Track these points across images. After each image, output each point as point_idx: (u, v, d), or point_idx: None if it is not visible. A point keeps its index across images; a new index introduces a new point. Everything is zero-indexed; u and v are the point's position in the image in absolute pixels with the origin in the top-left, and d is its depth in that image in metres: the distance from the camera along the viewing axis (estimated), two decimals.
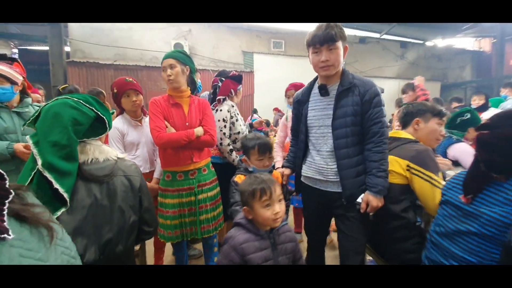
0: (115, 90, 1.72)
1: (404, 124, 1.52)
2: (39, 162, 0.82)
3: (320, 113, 1.37)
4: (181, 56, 1.58)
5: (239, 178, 1.56)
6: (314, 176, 1.41)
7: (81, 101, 0.93)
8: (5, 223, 0.44)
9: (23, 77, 1.68)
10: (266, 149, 1.54)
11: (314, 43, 1.27)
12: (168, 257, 2.24)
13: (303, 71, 7.66)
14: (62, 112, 0.88)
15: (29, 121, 0.90)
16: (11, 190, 0.48)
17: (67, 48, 6.35)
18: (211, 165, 1.76)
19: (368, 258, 1.98)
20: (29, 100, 1.70)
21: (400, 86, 9.52)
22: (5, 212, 0.45)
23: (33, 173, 0.84)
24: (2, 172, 0.48)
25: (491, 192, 0.93)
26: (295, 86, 2.31)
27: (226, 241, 1.12)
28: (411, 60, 10.09)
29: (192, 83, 1.69)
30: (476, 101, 3.48)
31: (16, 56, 8.26)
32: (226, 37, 7.69)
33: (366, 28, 8.53)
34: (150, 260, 1.88)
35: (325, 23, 1.25)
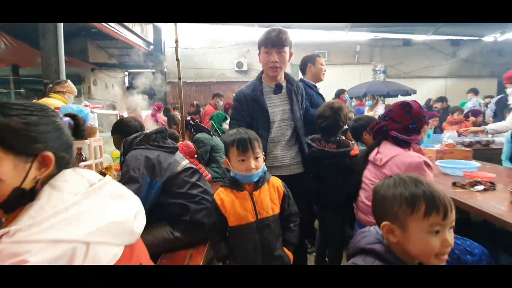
0: (227, 106, 4.57)
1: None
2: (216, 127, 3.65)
3: (277, 109, 1.62)
4: None
5: (217, 195, 1.25)
6: (279, 164, 1.63)
7: (222, 112, 3.76)
8: None
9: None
10: (248, 145, 1.16)
11: (266, 44, 1.54)
12: None
13: (347, 78, 9.39)
14: (216, 115, 3.74)
15: (211, 118, 3.78)
16: None
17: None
18: None
19: None
20: None
21: (448, 85, 10.28)
22: None
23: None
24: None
25: None
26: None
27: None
28: (464, 57, 10.41)
29: None
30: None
31: (127, 77, 12.45)
32: None
33: (410, 31, 9.41)
34: None
35: (277, 28, 1.53)
